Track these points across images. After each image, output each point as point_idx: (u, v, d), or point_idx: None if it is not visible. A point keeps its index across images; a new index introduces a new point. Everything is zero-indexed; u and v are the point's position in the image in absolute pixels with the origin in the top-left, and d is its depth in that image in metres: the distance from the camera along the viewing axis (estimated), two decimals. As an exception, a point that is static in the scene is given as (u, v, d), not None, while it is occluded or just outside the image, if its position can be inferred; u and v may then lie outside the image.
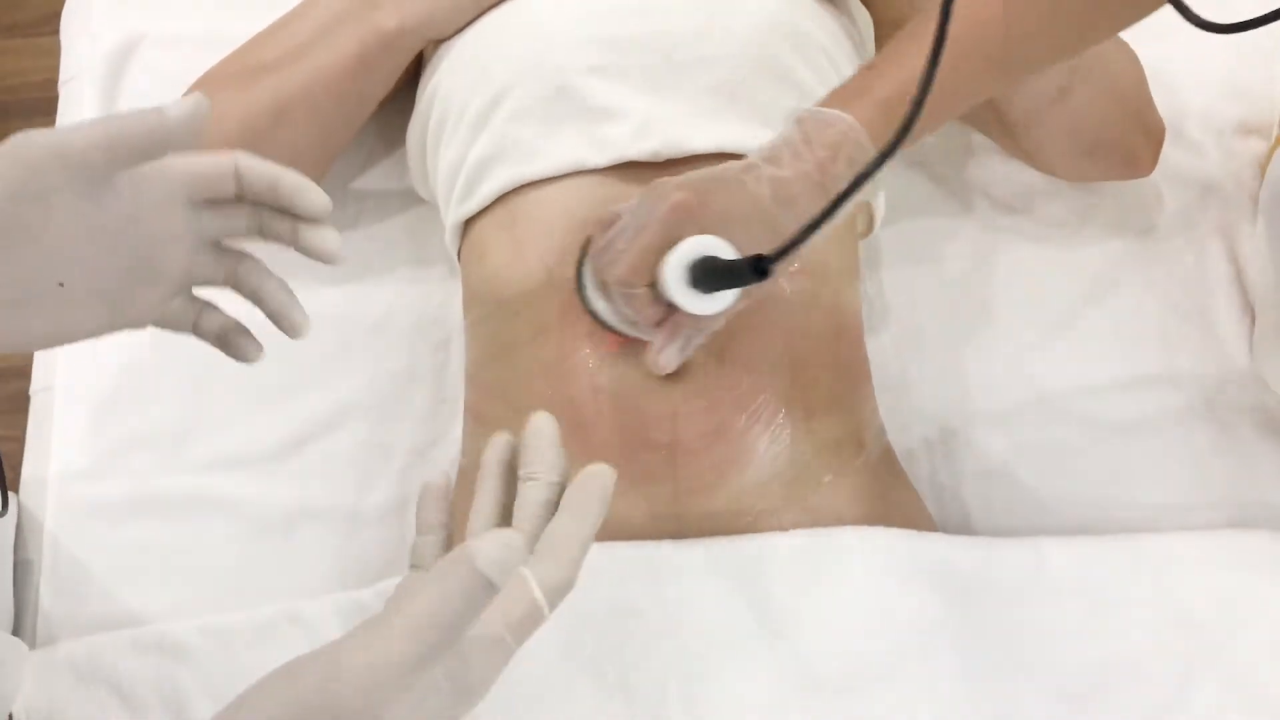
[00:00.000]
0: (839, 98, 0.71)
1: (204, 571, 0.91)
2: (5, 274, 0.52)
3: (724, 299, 0.65)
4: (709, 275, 0.64)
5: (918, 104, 0.55)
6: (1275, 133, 1.00)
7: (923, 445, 0.94)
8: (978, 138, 1.01)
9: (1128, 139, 0.92)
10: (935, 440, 0.94)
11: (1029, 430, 0.94)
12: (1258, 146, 1.01)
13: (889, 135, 0.59)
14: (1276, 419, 0.93)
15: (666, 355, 0.70)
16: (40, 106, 1.73)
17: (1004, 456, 0.93)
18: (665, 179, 0.69)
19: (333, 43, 0.87)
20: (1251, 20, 0.62)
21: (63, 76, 1.07)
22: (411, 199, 0.99)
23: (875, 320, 0.96)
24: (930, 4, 0.66)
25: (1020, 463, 0.93)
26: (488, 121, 0.82)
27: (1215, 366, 0.94)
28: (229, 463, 0.93)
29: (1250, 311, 0.96)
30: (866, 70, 0.72)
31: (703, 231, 0.66)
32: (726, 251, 0.65)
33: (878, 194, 0.89)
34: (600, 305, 0.73)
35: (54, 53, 1.76)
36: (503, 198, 0.83)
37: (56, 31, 1.77)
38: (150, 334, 0.93)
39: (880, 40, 0.96)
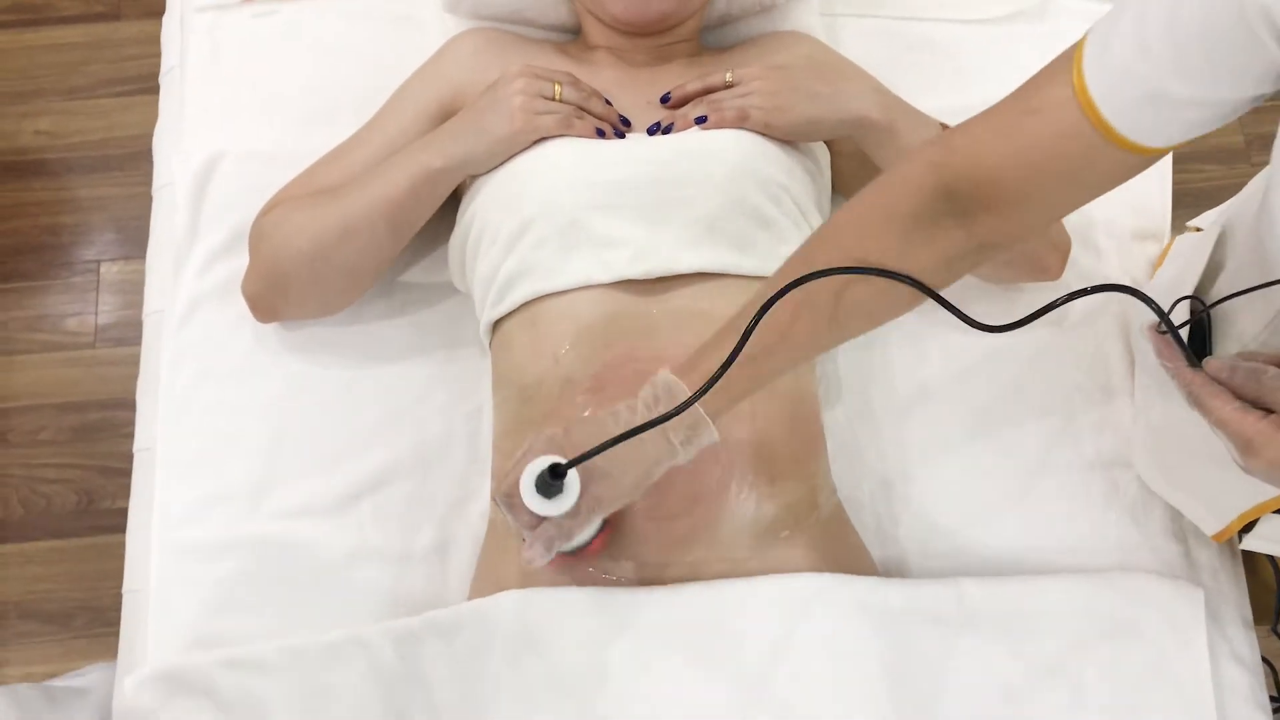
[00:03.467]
0: (682, 368, 0.83)
1: (279, 602, 1.06)
2: None
3: (565, 503, 0.80)
4: (542, 484, 0.80)
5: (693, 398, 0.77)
6: (1166, 241, 1.18)
7: (869, 499, 1.11)
8: (919, 244, 1.18)
9: (1038, 253, 1.09)
10: (880, 495, 1.11)
11: (956, 486, 1.11)
12: (1152, 250, 1.19)
13: (709, 397, 0.78)
14: (1159, 481, 1.11)
15: (531, 551, 0.83)
16: (96, 163, 1.93)
17: (935, 508, 1.10)
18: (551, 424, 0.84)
19: (388, 176, 1.03)
20: (1018, 321, 0.76)
21: (157, 182, 1.24)
22: (448, 290, 1.16)
23: (832, 395, 1.14)
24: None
25: (948, 513, 1.10)
26: (515, 245, 1.00)
27: (1110, 435, 1.12)
28: (299, 513, 1.08)
29: (1139, 389, 1.14)
30: (704, 347, 0.84)
31: (564, 458, 0.80)
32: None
33: None
34: (505, 517, 0.87)
35: (109, 114, 1.96)
36: (526, 304, 1.00)
37: (113, 94, 1.97)
38: (233, 407, 1.10)
39: (836, 164, 1.13)
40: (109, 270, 1.85)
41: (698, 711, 0.89)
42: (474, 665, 0.94)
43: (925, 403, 1.14)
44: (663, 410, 0.80)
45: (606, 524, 0.90)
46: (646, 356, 0.96)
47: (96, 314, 1.82)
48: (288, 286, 1.08)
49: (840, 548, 1.01)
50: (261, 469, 1.10)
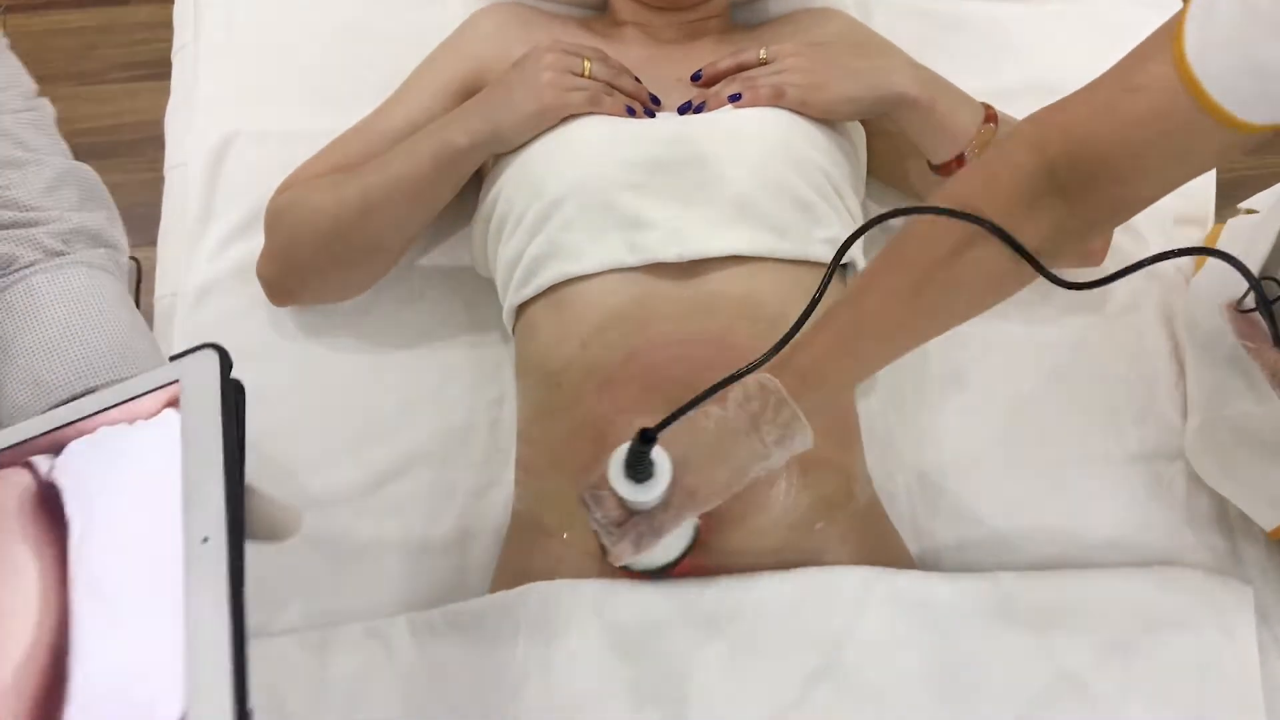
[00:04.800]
0: (773, 366, 0.79)
1: (299, 593, 1.03)
2: None
3: (656, 488, 0.75)
4: (630, 466, 0.75)
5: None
6: (1209, 227, 1.15)
7: (904, 490, 1.08)
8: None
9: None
10: (915, 486, 1.08)
11: (993, 478, 1.08)
12: (1194, 234, 1.16)
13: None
14: (1205, 473, 1.07)
15: (619, 548, 0.78)
16: (104, 150, 1.89)
17: (972, 500, 1.07)
18: None
19: (410, 154, 1.00)
20: (1103, 278, 0.77)
21: (169, 162, 1.21)
22: (470, 275, 1.13)
23: (865, 385, 1.10)
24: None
25: (986, 506, 1.07)
26: (542, 227, 0.97)
27: (1153, 427, 1.09)
28: (319, 502, 1.05)
29: (1184, 378, 1.10)
30: (793, 347, 0.79)
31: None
32: (657, 452, 0.75)
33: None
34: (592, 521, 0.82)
35: (117, 100, 1.93)
36: (552, 288, 0.97)
37: (121, 80, 1.94)
38: (247, 393, 1.07)
39: (872, 145, 1.10)
40: (117, 258, 1.83)
41: (726, 704, 0.86)
42: (496, 658, 0.91)
43: (962, 392, 1.11)
44: (754, 409, 0.77)
45: (695, 543, 0.86)
46: (678, 342, 0.93)
47: (104, 302, 1.79)
48: (304, 268, 1.06)
49: (876, 539, 0.98)
50: (280, 458, 1.07)
